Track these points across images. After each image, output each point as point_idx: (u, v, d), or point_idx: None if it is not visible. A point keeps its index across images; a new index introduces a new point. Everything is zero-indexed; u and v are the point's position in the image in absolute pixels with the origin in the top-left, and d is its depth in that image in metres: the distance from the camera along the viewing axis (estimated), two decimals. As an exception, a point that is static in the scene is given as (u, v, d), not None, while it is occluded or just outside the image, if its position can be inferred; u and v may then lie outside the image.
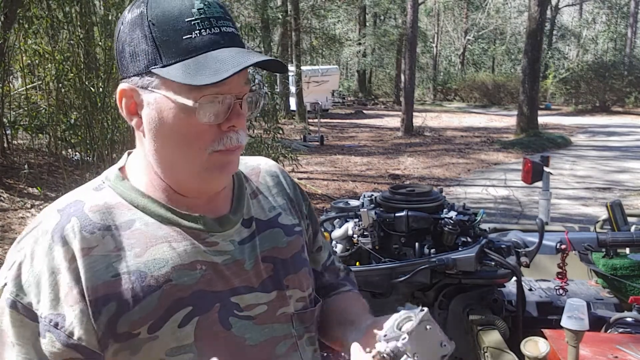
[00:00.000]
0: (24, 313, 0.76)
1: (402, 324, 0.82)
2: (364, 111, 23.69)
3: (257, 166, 1.03)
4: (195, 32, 0.78)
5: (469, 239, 1.50)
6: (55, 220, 0.81)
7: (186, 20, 0.78)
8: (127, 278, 0.80)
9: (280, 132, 7.71)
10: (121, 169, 0.89)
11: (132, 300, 0.79)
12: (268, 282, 0.91)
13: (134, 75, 0.81)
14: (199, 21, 0.78)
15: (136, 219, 0.84)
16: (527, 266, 1.55)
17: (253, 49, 0.77)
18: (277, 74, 10.29)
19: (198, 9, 0.79)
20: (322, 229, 1.60)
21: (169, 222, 0.85)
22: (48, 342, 0.76)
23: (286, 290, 0.93)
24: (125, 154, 0.92)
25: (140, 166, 0.88)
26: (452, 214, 1.50)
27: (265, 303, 0.90)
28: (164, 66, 0.78)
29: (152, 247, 0.82)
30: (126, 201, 0.85)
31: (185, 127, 0.80)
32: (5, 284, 0.78)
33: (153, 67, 0.79)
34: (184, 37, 0.78)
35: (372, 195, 1.62)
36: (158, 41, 0.78)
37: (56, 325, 0.76)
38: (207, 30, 0.78)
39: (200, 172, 0.83)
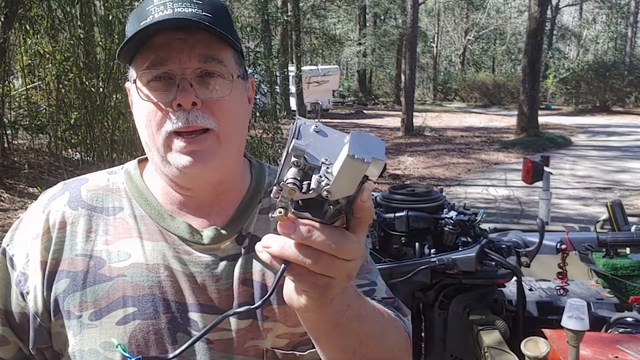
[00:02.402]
0: (8, 261, 0.85)
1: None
2: (364, 111, 23.69)
3: None
4: (150, 16, 0.77)
5: (469, 239, 1.49)
6: (55, 190, 0.88)
7: (146, 8, 0.79)
8: (87, 261, 0.82)
9: (280, 132, 7.71)
10: (141, 161, 0.92)
11: (84, 283, 0.80)
12: (241, 304, 0.81)
13: (129, 72, 0.84)
14: (154, 7, 0.78)
15: (125, 207, 0.86)
16: (528, 266, 1.55)
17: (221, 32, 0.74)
18: (277, 74, 10.29)
19: None
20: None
21: (153, 219, 0.84)
22: (14, 293, 0.84)
23: (263, 322, 0.82)
24: None
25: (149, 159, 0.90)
26: (452, 214, 1.50)
27: (233, 330, 0.81)
28: (121, 53, 0.80)
29: (123, 239, 0.83)
30: (127, 189, 0.87)
31: (142, 109, 0.80)
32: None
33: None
34: (140, 24, 0.76)
35: (373, 195, 1.62)
36: (128, 33, 0.80)
37: (19, 282, 0.83)
38: (160, 13, 0.77)
39: (165, 157, 0.79)
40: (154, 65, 0.78)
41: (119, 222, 0.84)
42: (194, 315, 0.80)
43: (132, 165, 0.91)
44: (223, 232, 0.84)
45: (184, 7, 0.77)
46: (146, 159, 0.90)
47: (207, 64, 0.78)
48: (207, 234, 0.83)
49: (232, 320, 0.81)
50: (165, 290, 0.80)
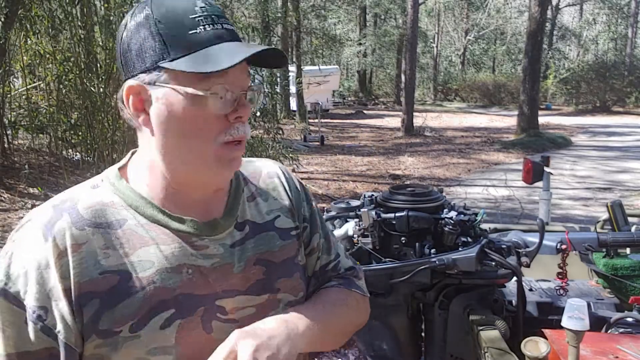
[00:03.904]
0: (12, 301, 0.78)
1: None
2: (365, 111, 23.68)
3: (258, 168, 1.03)
4: (200, 27, 0.81)
5: (470, 239, 1.50)
6: (48, 215, 0.82)
7: (190, 17, 0.81)
8: (113, 277, 0.81)
9: (281, 132, 7.71)
10: (121, 169, 0.90)
11: (116, 299, 0.81)
12: (258, 285, 0.91)
13: (140, 73, 0.82)
14: (202, 18, 0.82)
15: (128, 218, 0.85)
16: (528, 266, 1.55)
17: (255, 44, 0.86)
18: (278, 74, 10.30)
19: (200, 7, 0.82)
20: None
21: (160, 224, 0.86)
22: (31, 331, 0.78)
23: (277, 294, 0.93)
24: (129, 154, 0.93)
25: (142, 166, 0.89)
26: (453, 214, 1.50)
27: (254, 306, 0.90)
28: (172, 60, 0.80)
29: (140, 248, 0.84)
30: (121, 200, 0.86)
31: (195, 118, 0.82)
32: None
33: (161, 61, 0.80)
34: (189, 32, 0.81)
35: (373, 195, 1.62)
36: (165, 37, 0.81)
37: (39, 317, 0.78)
38: (211, 26, 0.82)
39: (210, 165, 0.84)
40: (212, 78, 0.81)
41: (129, 233, 0.84)
42: (221, 302, 0.88)
43: (113, 176, 0.89)
44: (224, 222, 0.91)
45: (227, 25, 0.84)
46: (124, 167, 0.91)
47: (249, 80, 0.87)
48: (213, 225, 0.89)
49: (253, 297, 0.90)
50: (193, 286, 0.85)
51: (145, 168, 0.88)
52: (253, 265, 0.91)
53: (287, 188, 1.03)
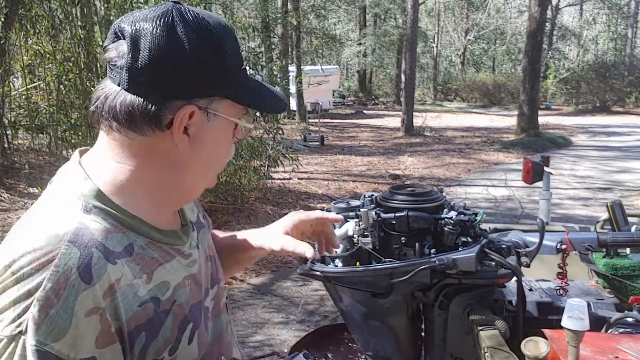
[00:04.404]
0: None
1: None
2: (364, 111, 23.69)
3: None
4: (244, 65, 0.88)
5: (470, 239, 1.49)
6: (75, 254, 0.72)
7: (240, 52, 0.87)
8: (149, 306, 0.79)
9: (281, 132, 7.71)
10: (98, 186, 0.81)
11: (156, 328, 0.80)
12: (212, 279, 0.98)
13: (197, 96, 0.81)
14: (240, 54, 0.88)
15: (132, 242, 0.80)
16: (528, 266, 1.55)
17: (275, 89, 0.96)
18: (278, 75, 10.31)
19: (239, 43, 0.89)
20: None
21: (157, 241, 0.84)
22: None
23: (220, 283, 1.02)
24: (77, 162, 0.84)
25: (132, 183, 0.82)
26: (453, 214, 1.49)
27: (213, 298, 0.97)
28: (233, 91, 0.85)
29: (154, 271, 0.82)
30: (118, 223, 0.79)
31: (229, 145, 0.91)
32: (22, 331, 0.67)
33: (223, 90, 0.83)
34: (242, 68, 0.87)
35: (373, 195, 1.62)
36: (229, 66, 0.83)
37: None
38: (245, 65, 0.90)
39: (211, 181, 0.92)
40: (247, 115, 0.91)
41: (139, 258, 0.80)
42: (205, 302, 0.93)
43: (95, 199, 0.79)
44: (189, 227, 0.96)
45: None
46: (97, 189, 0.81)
47: None
48: (186, 232, 0.93)
49: (212, 291, 0.97)
50: (194, 295, 0.89)
51: (141, 185, 0.83)
52: (207, 262, 0.98)
53: None
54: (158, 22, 0.77)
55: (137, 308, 0.77)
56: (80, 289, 0.70)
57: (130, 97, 0.78)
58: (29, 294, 0.68)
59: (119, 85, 0.79)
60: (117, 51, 0.79)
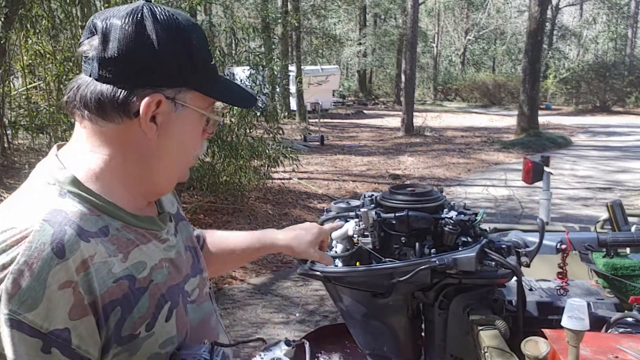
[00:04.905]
0: (26, 332, 0.72)
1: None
2: (365, 111, 23.69)
3: None
4: (213, 60, 0.92)
5: (470, 239, 1.49)
6: (49, 231, 0.76)
7: (208, 47, 0.92)
8: (124, 282, 0.82)
9: (281, 132, 7.71)
10: (73, 173, 0.85)
11: (132, 303, 0.83)
12: (194, 268, 1.02)
13: (163, 86, 0.85)
14: (208, 50, 0.92)
15: (108, 224, 0.84)
16: (528, 266, 1.55)
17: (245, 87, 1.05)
18: (278, 75, 10.31)
19: (207, 40, 0.92)
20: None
21: (133, 225, 0.89)
22: (52, 357, 0.74)
23: (203, 273, 1.06)
24: (54, 156, 0.88)
25: (105, 170, 0.86)
26: (453, 213, 1.49)
27: (197, 286, 1.01)
28: (201, 83, 0.89)
29: (131, 252, 0.86)
30: (93, 207, 0.83)
31: (197, 137, 0.94)
32: None
33: (190, 82, 0.88)
34: (210, 63, 0.91)
35: (373, 195, 1.62)
36: (197, 60, 0.88)
37: (63, 340, 0.74)
38: (212, 60, 0.93)
39: (182, 173, 0.96)
40: (214, 105, 0.95)
41: (115, 238, 0.84)
42: (186, 287, 0.97)
43: (71, 182, 0.83)
44: (167, 215, 1.00)
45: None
46: (74, 177, 0.84)
47: None
48: (163, 219, 0.97)
49: (194, 278, 1.01)
50: (172, 277, 0.92)
51: (114, 173, 0.87)
52: (186, 251, 1.02)
53: None
54: (128, 19, 0.82)
55: (111, 284, 0.80)
56: (53, 263, 0.74)
57: (100, 86, 0.83)
58: (3, 267, 0.73)
59: (90, 76, 0.84)
60: (90, 45, 0.84)
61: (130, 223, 0.88)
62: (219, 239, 1.32)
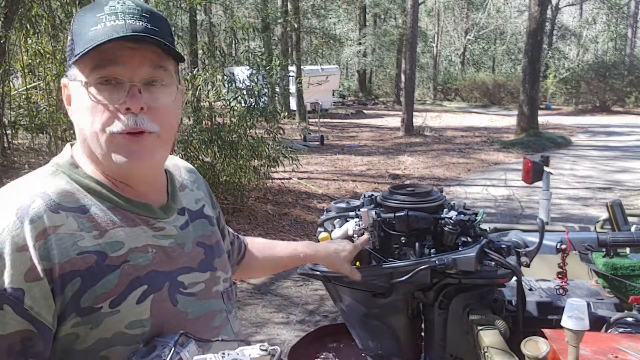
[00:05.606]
0: None
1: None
2: (364, 111, 23.68)
3: (176, 164, 1.15)
4: (100, 24, 0.86)
5: (469, 239, 1.49)
6: (17, 200, 0.84)
7: (96, 15, 0.87)
8: (90, 256, 0.85)
9: (281, 132, 7.70)
10: (72, 157, 0.95)
11: (96, 277, 0.85)
12: (202, 264, 1.03)
13: (67, 70, 0.92)
14: (106, 15, 0.87)
15: (92, 204, 0.90)
16: (528, 266, 1.55)
17: (170, 45, 0.89)
18: (278, 75, 10.31)
19: (110, 6, 0.88)
20: (323, 229, 1.60)
21: (122, 208, 0.92)
22: (6, 314, 0.79)
23: (216, 272, 1.06)
24: (68, 145, 0.98)
25: (85, 155, 0.94)
26: (453, 213, 1.49)
27: (203, 281, 1.02)
28: (74, 56, 0.87)
29: (109, 231, 0.89)
30: (81, 187, 0.91)
31: (83, 107, 0.89)
32: None
33: (72, 58, 0.88)
34: (90, 29, 0.86)
35: (373, 195, 1.62)
36: (75, 35, 0.89)
37: (16, 299, 0.79)
38: (111, 22, 0.86)
39: (106, 155, 0.89)
40: (103, 68, 0.87)
41: (96, 217, 0.89)
42: (181, 278, 0.97)
43: (66, 165, 0.94)
44: (172, 206, 1.01)
45: (135, 20, 0.87)
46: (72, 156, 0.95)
47: (155, 73, 0.90)
48: (165, 209, 0.99)
49: (201, 274, 1.02)
50: (159, 264, 0.94)
51: (87, 156, 0.94)
52: (196, 246, 1.03)
53: (203, 182, 1.18)
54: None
55: (74, 255, 0.84)
56: (15, 227, 0.81)
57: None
58: None
59: None
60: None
61: (119, 206, 0.92)
62: (262, 245, 1.41)
